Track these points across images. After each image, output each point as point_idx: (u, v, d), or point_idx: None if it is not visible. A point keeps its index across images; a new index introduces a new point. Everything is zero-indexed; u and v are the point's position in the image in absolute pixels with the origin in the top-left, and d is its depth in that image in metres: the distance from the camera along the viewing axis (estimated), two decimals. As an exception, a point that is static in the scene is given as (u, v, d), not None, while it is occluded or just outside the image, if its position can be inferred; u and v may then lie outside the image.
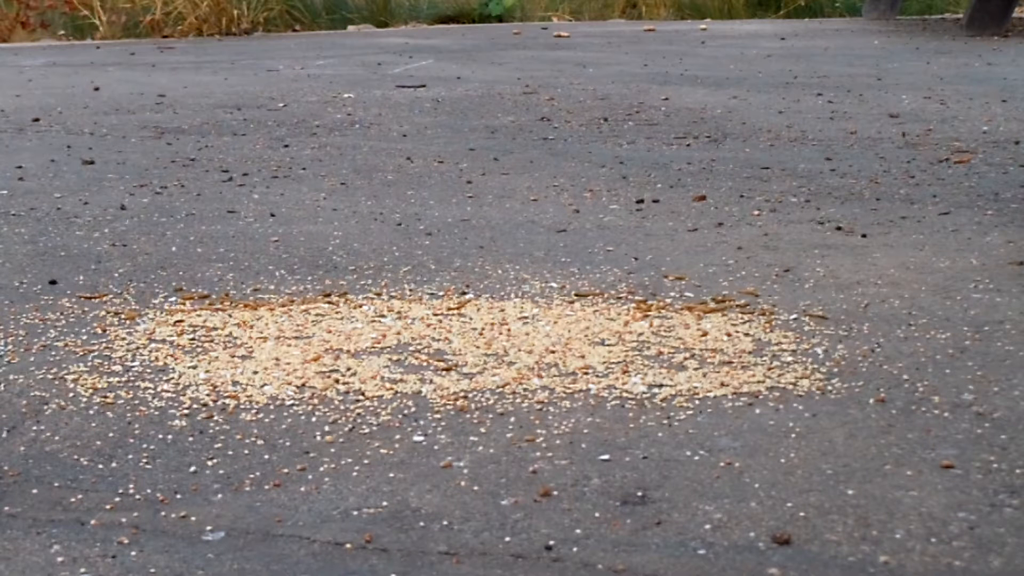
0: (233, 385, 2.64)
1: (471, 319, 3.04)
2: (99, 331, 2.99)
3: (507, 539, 2.02)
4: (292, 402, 2.56)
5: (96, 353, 2.84)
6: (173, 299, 3.23)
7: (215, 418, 2.48)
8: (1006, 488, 2.17)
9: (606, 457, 2.30)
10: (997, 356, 2.79)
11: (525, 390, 2.61)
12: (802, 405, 2.53)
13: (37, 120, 5.86)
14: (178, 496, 2.18)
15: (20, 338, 2.95)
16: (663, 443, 2.35)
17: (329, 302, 3.19)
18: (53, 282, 3.36)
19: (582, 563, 1.95)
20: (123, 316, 3.09)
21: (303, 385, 2.64)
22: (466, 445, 2.36)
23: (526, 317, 3.06)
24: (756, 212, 4.12)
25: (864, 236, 3.80)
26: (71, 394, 2.61)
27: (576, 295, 3.24)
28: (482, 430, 2.42)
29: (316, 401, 2.56)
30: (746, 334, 2.93)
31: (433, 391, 2.60)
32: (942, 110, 6.11)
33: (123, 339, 2.93)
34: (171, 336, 2.94)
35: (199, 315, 3.09)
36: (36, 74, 7.57)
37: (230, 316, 3.08)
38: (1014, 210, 4.13)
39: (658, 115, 6.00)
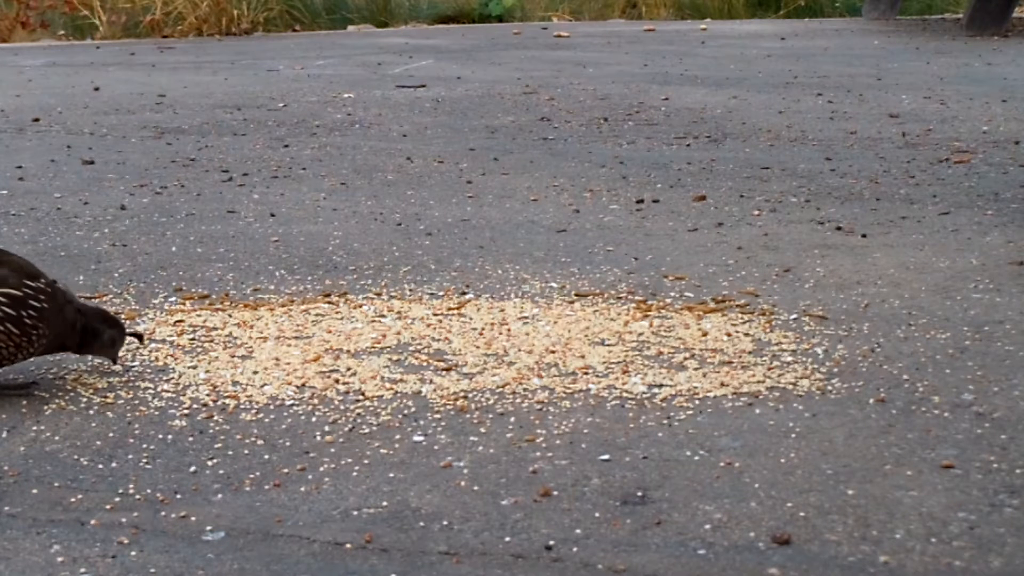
0: (233, 385, 2.64)
1: (471, 319, 3.04)
2: (99, 331, 2.98)
3: (507, 539, 2.02)
4: (292, 402, 2.56)
5: (96, 353, 2.84)
6: (173, 299, 3.23)
7: (215, 418, 2.48)
8: (1006, 488, 2.17)
9: (606, 457, 2.30)
10: (997, 356, 2.79)
11: (525, 390, 2.61)
12: (802, 405, 2.53)
13: (37, 120, 5.86)
14: (178, 496, 2.18)
15: (20, 338, 2.95)
16: (663, 443, 2.35)
17: (329, 302, 3.19)
18: (53, 282, 3.36)
19: (582, 563, 1.95)
20: (123, 316, 3.08)
21: (303, 385, 2.64)
22: (466, 445, 2.36)
23: (526, 317, 3.05)
24: (756, 212, 4.12)
25: (864, 236, 3.80)
26: (71, 394, 2.61)
27: (576, 295, 3.24)
28: (482, 430, 2.42)
29: (316, 401, 2.56)
30: (746, 334, 2.93)
31: (433, 391, 2.60)
32: (942, 110, 6.11)
33: (123, 339, 2.92)
34: (171, 336, 2.94)
35: (199, 315, 3.09)
36: (36, 74, 7.57)
37: (230, 316, 3.08)
38: (1014, 210, 4.13)
39: (658, 115, 6.00)
